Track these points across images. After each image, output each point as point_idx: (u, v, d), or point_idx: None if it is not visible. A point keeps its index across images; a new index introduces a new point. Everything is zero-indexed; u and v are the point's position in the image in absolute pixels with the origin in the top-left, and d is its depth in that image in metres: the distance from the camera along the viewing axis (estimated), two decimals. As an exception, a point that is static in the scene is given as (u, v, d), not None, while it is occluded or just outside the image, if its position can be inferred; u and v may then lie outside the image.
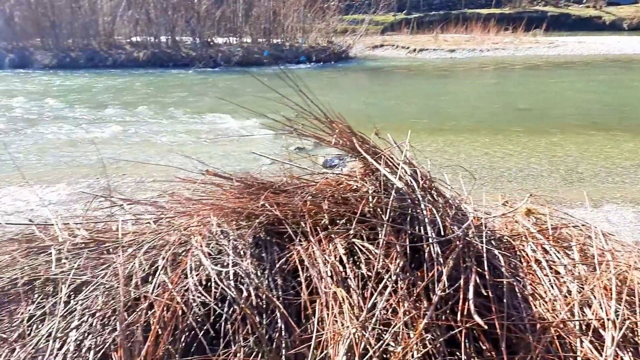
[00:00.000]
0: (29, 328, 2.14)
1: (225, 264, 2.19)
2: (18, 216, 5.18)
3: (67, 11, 26.13)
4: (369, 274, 2.33)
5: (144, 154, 8.02)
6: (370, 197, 2.44)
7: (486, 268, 2.25)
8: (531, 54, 23.83)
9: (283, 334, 2.03)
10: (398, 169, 2.60)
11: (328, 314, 2.13)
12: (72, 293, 2.21)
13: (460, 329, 2.01)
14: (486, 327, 1.98)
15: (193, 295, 2.01)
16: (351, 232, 2.45)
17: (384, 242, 2.24)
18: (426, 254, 2.24)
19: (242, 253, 2.34)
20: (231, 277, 2.10)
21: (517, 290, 2.33)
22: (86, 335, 2.05)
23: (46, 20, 26.45)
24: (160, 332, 1.95)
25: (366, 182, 2.65)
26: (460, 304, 2.11)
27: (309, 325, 2.13)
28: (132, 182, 6.43)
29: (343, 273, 2.33)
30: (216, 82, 18.66)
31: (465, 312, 2.07)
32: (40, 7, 26.49)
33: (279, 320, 2.06)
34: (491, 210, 3.26)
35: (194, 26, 23.99)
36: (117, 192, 3.24)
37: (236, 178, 2.86)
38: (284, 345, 2.00)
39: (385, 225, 2.23)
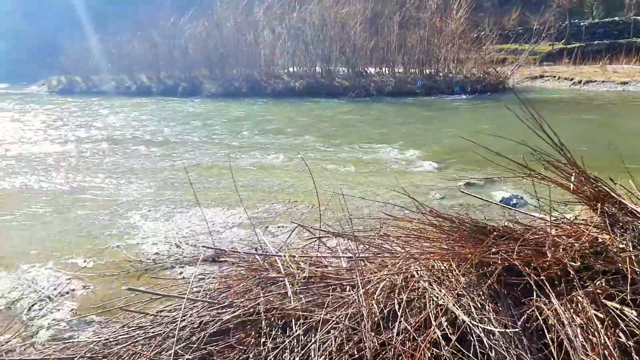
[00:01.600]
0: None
1: (471, 316, 2.03)
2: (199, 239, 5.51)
3: (234, 44, 28.40)
4: (630, 343, 2.03)
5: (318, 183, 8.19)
6: (632, 256, 2.14)
7: None
8: None
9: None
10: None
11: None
12: (307, 330, 2.19)
13: None
14: None
15: (444, 350, 1.87)
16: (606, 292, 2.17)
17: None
18: None
19: (479, 304, 2.17)
20: (481, 332, 1.93)
21: None
22: (326, 377, 2.00)
23: (215, 52, 29.01)
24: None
25: (617, 235, 2.35)
26: None
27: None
28: (305, 209, 6.57)
29: (598, 340, 2.05)
30: (373, 112, 18.93)
31: None
32: (211, 40, 29.14)
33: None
34: None
35: (349, 56, 24.66)
36: (325, 225, 3.23)
37: (457, 220, 2.70)
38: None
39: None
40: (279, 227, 5.82)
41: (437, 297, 2.08)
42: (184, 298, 2.28)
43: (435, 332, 1.93)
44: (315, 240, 3.49)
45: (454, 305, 2.00)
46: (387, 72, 25.38)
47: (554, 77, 25.58)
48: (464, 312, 1.98)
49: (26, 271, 4.81)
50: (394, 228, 3.21)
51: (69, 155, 11.46)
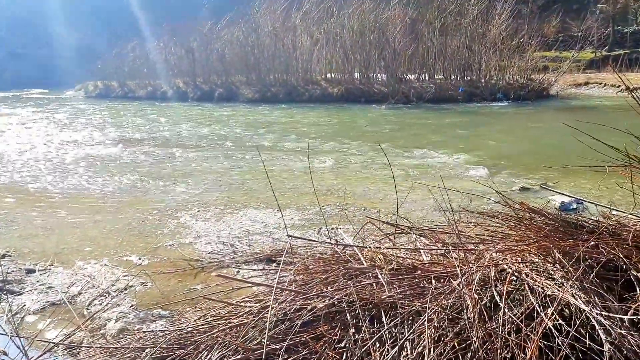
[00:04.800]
0: (356, 352, 2.06)
1: (578, 307, 1.91)
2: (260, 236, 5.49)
3: (271, 50, 28.43)
4: None
5: (365, 186, 8.11)
6: None
7: None
8: None
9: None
10: None
11: None
12: (402, 321, 2.10)
13: None
14: None
15: (559, 340, 1.76)
16: None
17: None
18: None
19: (588, 297, 2.05)
20: (605, 323, 1.81)
21: None
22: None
23: (252, 57, 29.06)
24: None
25: None
26: None
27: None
28: (357, 211, 6.48)
29: None
30: (415, 118, 18.74)
31: None
32: (248, 46, 29.23)
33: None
34: None
35: (388, 62, 24.50)
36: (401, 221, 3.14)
37: (547, 214, 2.59)
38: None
39: None
40: (332, 228, 5.72)
41: (544, 288, 1.96)
42: (272, 287, 2.22)
43: (545, 323, 1.82)
44: (384, 237, 3.40)
45: (572, 295, 1.88)
46: (426, 78, 25.14)
47: (600, 84, 24.86)
48: (582, 303, 1.86)
49: (82, 267, 4.81)
50: (465, 224, 3.11)
51: (113, 157, 11.67)
